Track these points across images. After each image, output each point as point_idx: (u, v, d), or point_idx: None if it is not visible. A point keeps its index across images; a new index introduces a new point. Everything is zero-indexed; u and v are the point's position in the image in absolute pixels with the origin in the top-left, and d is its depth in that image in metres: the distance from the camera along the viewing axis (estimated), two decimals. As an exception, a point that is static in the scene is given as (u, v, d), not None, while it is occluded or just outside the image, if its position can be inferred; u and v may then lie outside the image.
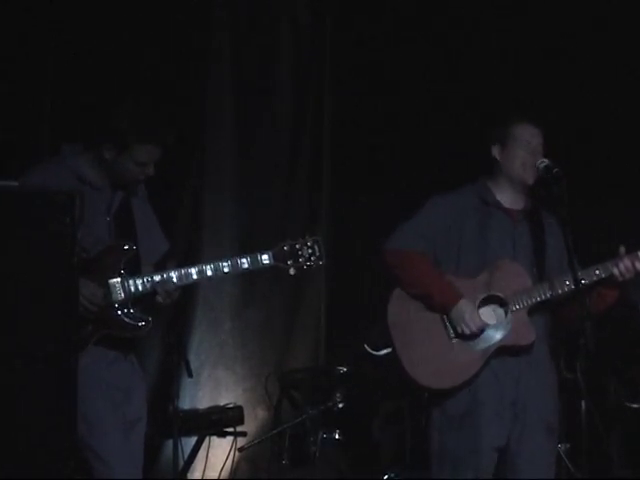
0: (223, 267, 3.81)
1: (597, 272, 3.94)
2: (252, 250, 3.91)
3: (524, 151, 4.04)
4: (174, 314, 5.50)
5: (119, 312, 3.77)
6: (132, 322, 3.78)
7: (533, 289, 3.97)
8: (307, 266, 3.90)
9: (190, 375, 5.09)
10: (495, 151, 4.08)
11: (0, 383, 2.83)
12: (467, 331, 3.90)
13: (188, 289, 4.61)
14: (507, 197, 4.11)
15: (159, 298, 3.80)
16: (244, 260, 3.81)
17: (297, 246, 3.87)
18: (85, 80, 5.26)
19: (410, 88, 5.93)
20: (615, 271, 3.92)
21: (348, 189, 6.10)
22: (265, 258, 3.83)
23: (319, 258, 3.89)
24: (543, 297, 3.95)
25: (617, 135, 5.66)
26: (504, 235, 4.09)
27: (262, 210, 6.07)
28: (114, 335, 3.79)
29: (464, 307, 3.95)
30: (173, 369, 5.21)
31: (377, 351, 4.18)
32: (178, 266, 3.89)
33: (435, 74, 5.91)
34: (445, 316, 3.96)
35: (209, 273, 3.82)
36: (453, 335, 3.95)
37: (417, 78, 5.94)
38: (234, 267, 3.83)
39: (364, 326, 4.63)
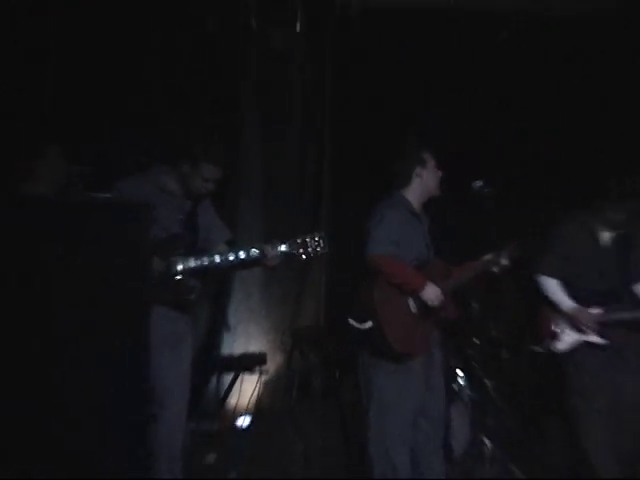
0: (254, 252, 4.14)
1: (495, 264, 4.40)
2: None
3: (437, 173, 4.45)
4: (218, 287, 6.03)
5: (176, 279, 4.09)
6: (186, 288, 4.11)
7: (458, 276, 4.45)
8: (314, 254, 4.21)
9: (228, 329, 5.91)
10: (419, 171, 4.43)
11: (84, 379, 2.83)
12: (437, 304, 4.31)
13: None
14: (417, 205, 4.48)
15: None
16: (268, 246, 4.18)
17: (307, 239, 4.21)
18: (86, 80, 5.27)
19: (411, 98, 6.14)
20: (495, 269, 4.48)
21: (346, 195, 6.32)
22: (284, 247, 4.20)
23: (323, 248, 4.23)
24: (461, 282, 4.48)
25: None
26: (421, 237, 4.49)
27: (279, 218, 6.33)
28: (172, 298, 4.08)
29: (433, 288, 4.34)
30: (217, 326, 5.89)
31: (361, 324, 4.26)
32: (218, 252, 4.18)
33: (433, 81, 6.17)
34: (412, 297, 4.31)
35: (242, 256, 4.14)
36: (415, 311, 4.31)
37: (418, 86, 6.16)
38: (261, 251, 4.15)
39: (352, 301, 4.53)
